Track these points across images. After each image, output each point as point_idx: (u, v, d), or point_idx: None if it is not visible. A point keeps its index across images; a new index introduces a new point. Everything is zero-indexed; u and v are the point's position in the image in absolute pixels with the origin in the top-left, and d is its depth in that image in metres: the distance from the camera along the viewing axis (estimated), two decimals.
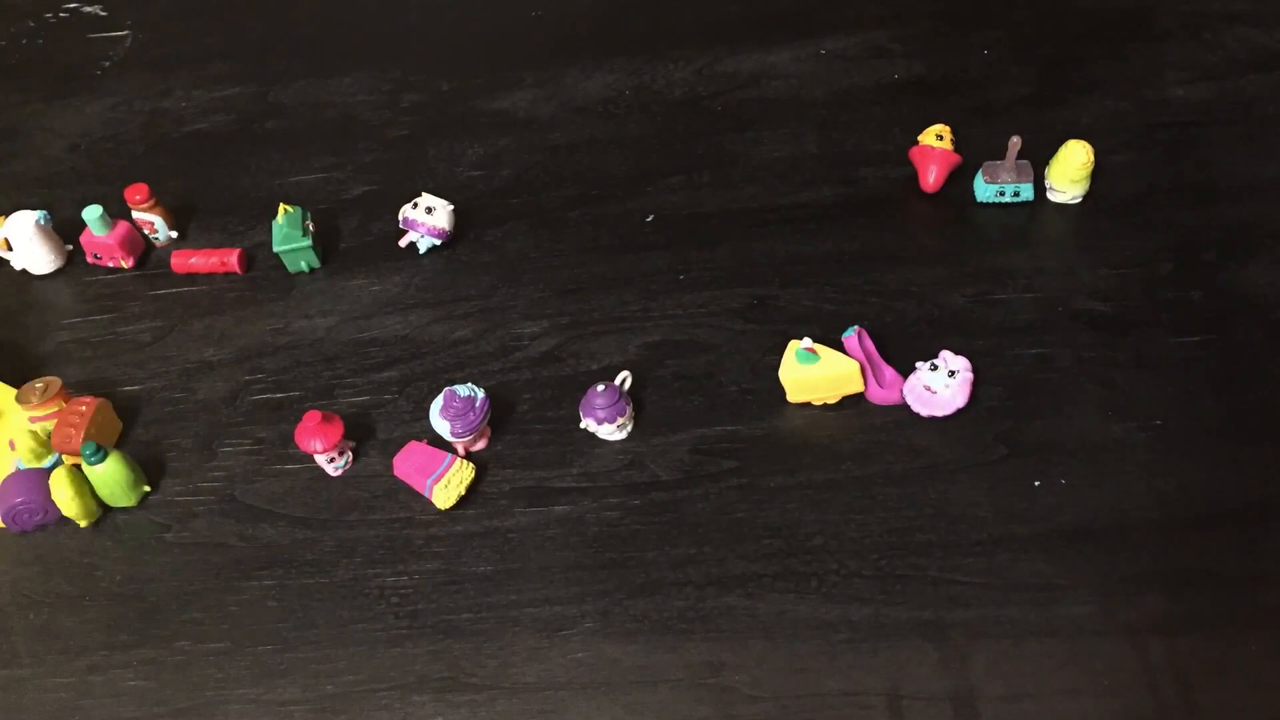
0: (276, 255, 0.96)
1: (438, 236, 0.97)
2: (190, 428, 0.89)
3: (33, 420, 0.85)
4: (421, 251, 0.98)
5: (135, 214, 0.99)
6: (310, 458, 0.85)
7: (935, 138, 0.99)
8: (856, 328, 0.87)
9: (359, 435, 0.87)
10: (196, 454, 0.87)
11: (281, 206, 0.95)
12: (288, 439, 0.87)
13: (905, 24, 1.16)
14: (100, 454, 0.80)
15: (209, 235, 1.02)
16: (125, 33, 1.24)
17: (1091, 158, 0.94)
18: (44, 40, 1.25)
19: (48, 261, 1.00)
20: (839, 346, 0.86)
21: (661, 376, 0.89)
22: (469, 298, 0.96)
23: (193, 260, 0.98)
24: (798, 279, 0.95)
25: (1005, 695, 0.71)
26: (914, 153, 1.00)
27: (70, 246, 1.01)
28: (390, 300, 0.96)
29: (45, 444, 0.84)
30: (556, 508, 0.82)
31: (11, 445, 0.84)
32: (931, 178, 0.99)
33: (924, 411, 0.83)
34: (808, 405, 0.86)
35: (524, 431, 0.86)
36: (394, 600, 0.78)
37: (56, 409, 0.85)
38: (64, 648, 0.78)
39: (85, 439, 0.82)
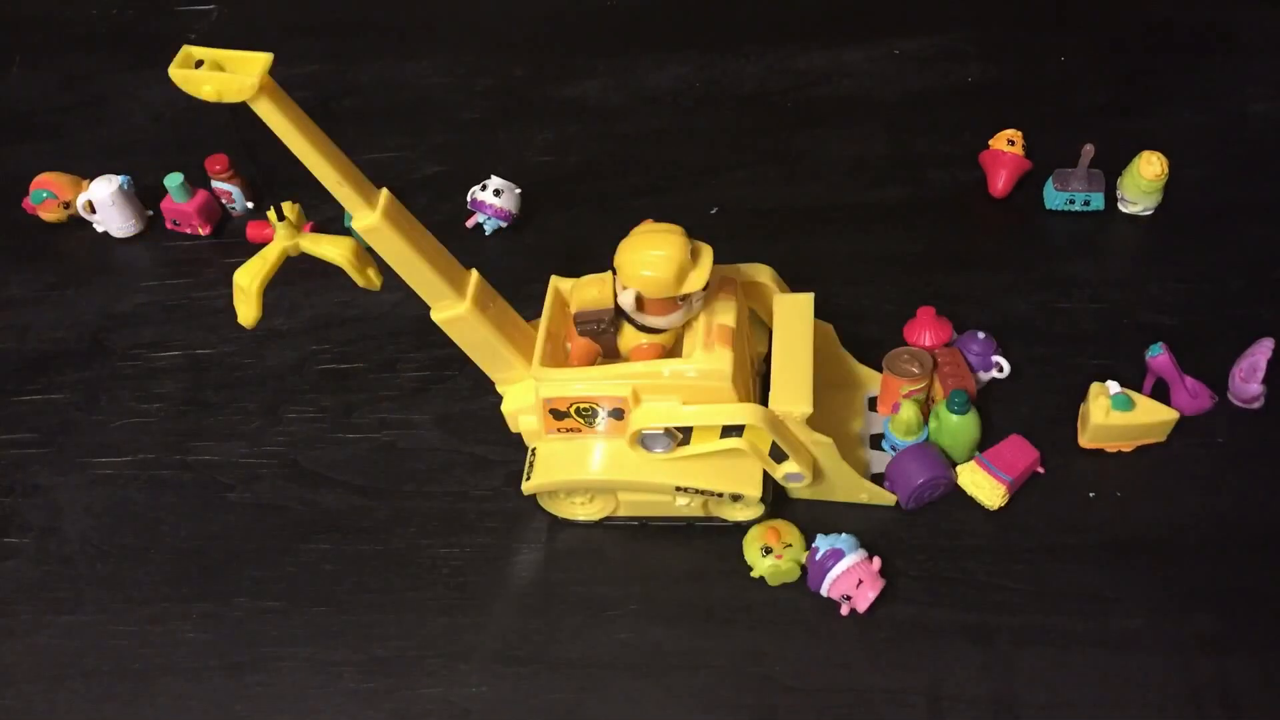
0: (348, 230, 0.98)
1: (503, 219, 0.99)
2: (257, 393, 0.91)
3: (907, 394, 0.81)
4: (488, 233, 1.00)
5: (214, 183, 1.02)
6: (371, 428, 0.87)
7: (1006, 142, 0.98)
8: (1162, 345, 0.82)
9: (419, 409, 0.89)
10: (262, 418, 0.89)
11: None
12: (350, 408, 0.89)
13: (981, 27, 1.15)
14: (966, 405, 0.78)
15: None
16: (211, 7, 1.27)
17: (1165, 170, 0.93)
18: (133, 12, 1.29)
19: (128, 226, 1.03)
20: (889, 343, 0.85)
21: None
22: (532, 280, 0.97)
23: (267, 231, 1.00)
24: (859, 277, 0.95)
25: (1047, 704, 0.71)
26: (984, 157, 0.99)
27: (151, 212, 1.05)
28: None
29: (918, 420, 0.80)
30: None
31: (895, 409, 0.79)
32: (1001, 182, 0.98)
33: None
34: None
35: None
36: (445, 571, 0.80)
37: (924, 383, 0.81)
38: (127, 597, 0.80)
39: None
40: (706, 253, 0.71)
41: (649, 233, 0.72)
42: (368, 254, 0.73)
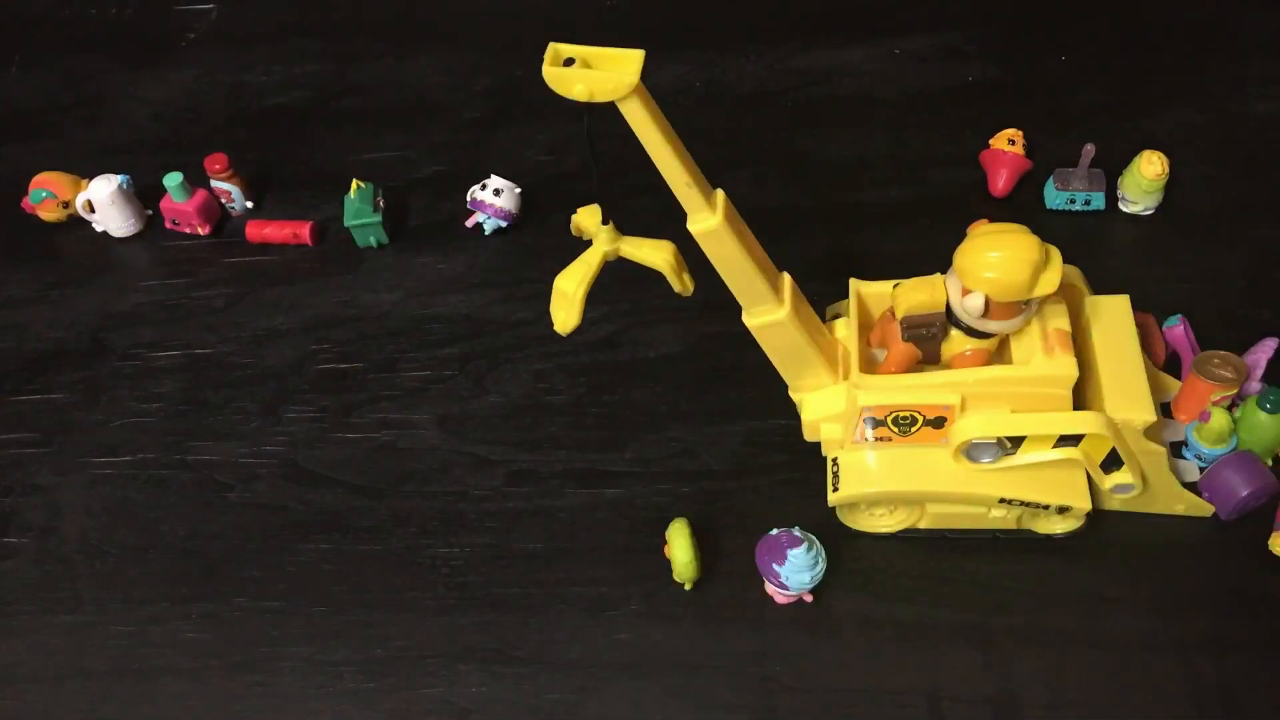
0: (347, 229, 0.98)
1: (503, 219, 0.99)
2: (257, 392, 0.91)
3: (1217, 401, 0.77)
4: (487, 233, 1.00)
5: (214, 183, 1.01)
6: (371, 428, 0.87)
7: (1007, 142, 0.98)
8: (1180, 317, 0.81)
9: (419, 409, 0.89)
10: (261, 418, 0.89)
11: (355, 182, 0.98)
12: (350, 408, 0.89)
13: (981, 27, 1.15)
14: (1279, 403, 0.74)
15: (283, 207, 1.05)
16: (211, 6, 1.27)
17: (1166, 169, 0.93)
18: (132, 11, 1.28)
19: (128, 225, 1.03)
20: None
21: (718, 367, 0.89)
22: (532, 280, 0.97)
23: (266, 230, 1.01)
24: (860, 278, 0.94)
25: (1048, 704, 0.71)
26: (984, 156, 0.99)
27: (150, 211, 1.04)
28: (455, 279, 0.98)
29: (1230, 428, 0.76)
30: (608, 491, 0.83)
31: (1205, 417, 0.76)
32: (1001, 182, 0.98)
33: None
34: None
35: (579, 414, 0.88)
36: (445, 571, 0.80)
37: (1235, 389, 0.77)
38: (126, 597, 0.80)
39: None
40: (1055, 254, 0.67)
41: (995, 233, 0.68)
42: (683, 259, 0.73)
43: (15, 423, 0.91)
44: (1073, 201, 0.96)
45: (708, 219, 0.66)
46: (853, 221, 0.99)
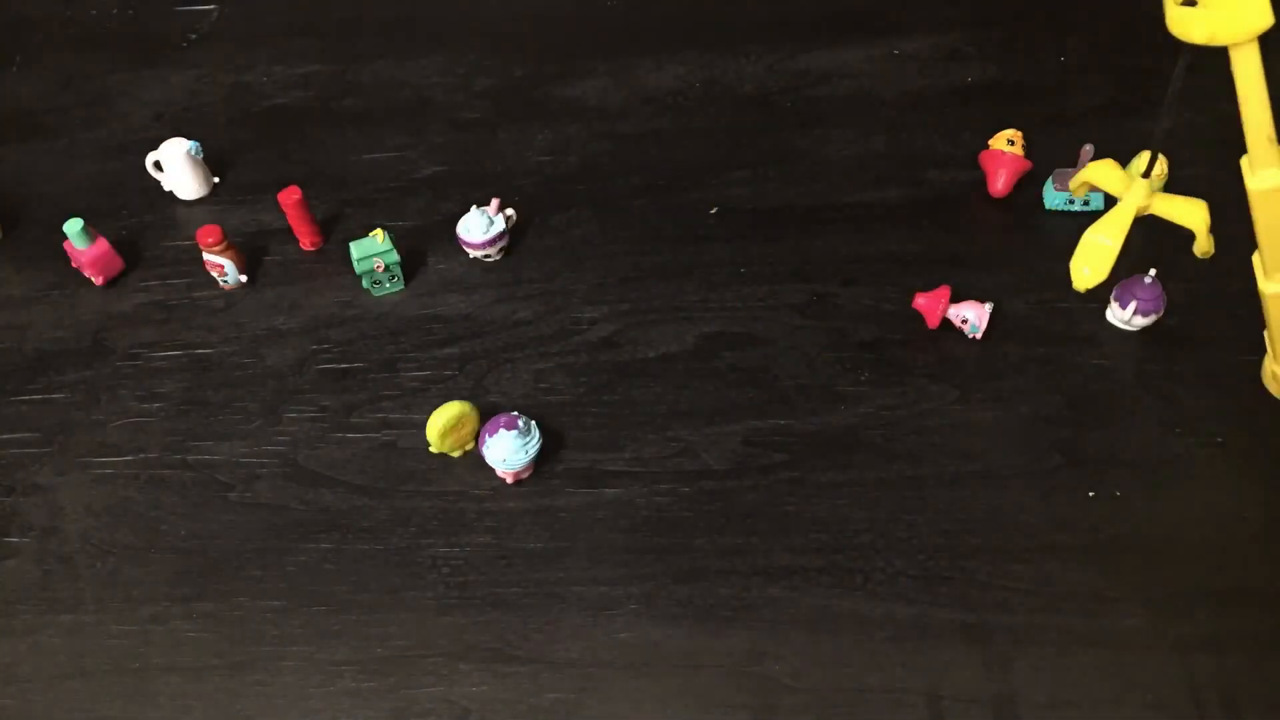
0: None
1: (491, 246, 0.97)
2: (258, 393, 0.91)
3: None
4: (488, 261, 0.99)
5: (206, 256, 0.97)
6: (371, 427, 0.87)
7: (1006, 142, 0.98)
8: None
9: (419, 409, 0.89)
10: (262, 418, 0.89)
11: (379, 232, 0.94)
12: (350, 408, 0.89)
13: (980, 28, 1.15)
14: None
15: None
16: (212, 7, 1.27)
17: (1165, 170, 0.93)
18: (134, 12, 1.29)
19: (194, 188, 1.06)
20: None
21: (717, 367, 0.90)
22: (531, 280, 0.97)
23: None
24: (859, 277, 0.95)
25: (1047, 702, 0.71)
26: (984, 157, 0.99)
27: (218, 179, 1.07)
28: (455, 279, 0.98)
29: None
30: (607, 490, 0.83)
31: None
32: (1000, 182, 0.98)
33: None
34: (861, 404, 0.86)
35: (579, 414, 0.88)
36: (445, 570, 0.80)
37: None
38: (128, 596, 0.81)
39: None
40: None
41: None
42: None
43: (16, 423, 0.91)
44: (1071, 202, 0.96)
45: (1276, 177, 0.65)
46: (852, 221, 0.99)
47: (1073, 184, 0.78)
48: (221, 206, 1.05)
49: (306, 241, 0.99)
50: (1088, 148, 0.93)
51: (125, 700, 0.76)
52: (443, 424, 0.81)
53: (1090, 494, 0.80)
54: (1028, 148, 0.99)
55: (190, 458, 0.87)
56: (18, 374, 0.94)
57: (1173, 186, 0.95)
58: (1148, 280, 0.84)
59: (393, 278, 0.95)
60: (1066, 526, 0.79)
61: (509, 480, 0.83)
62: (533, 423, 0.82)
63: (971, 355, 0.89)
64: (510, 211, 0.98)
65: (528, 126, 1.11)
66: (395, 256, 0.94)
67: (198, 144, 1.02)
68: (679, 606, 0.77)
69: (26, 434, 0.90)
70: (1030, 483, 0.81)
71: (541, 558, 0.80)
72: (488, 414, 0.83)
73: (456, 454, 0.84)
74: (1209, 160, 1.00)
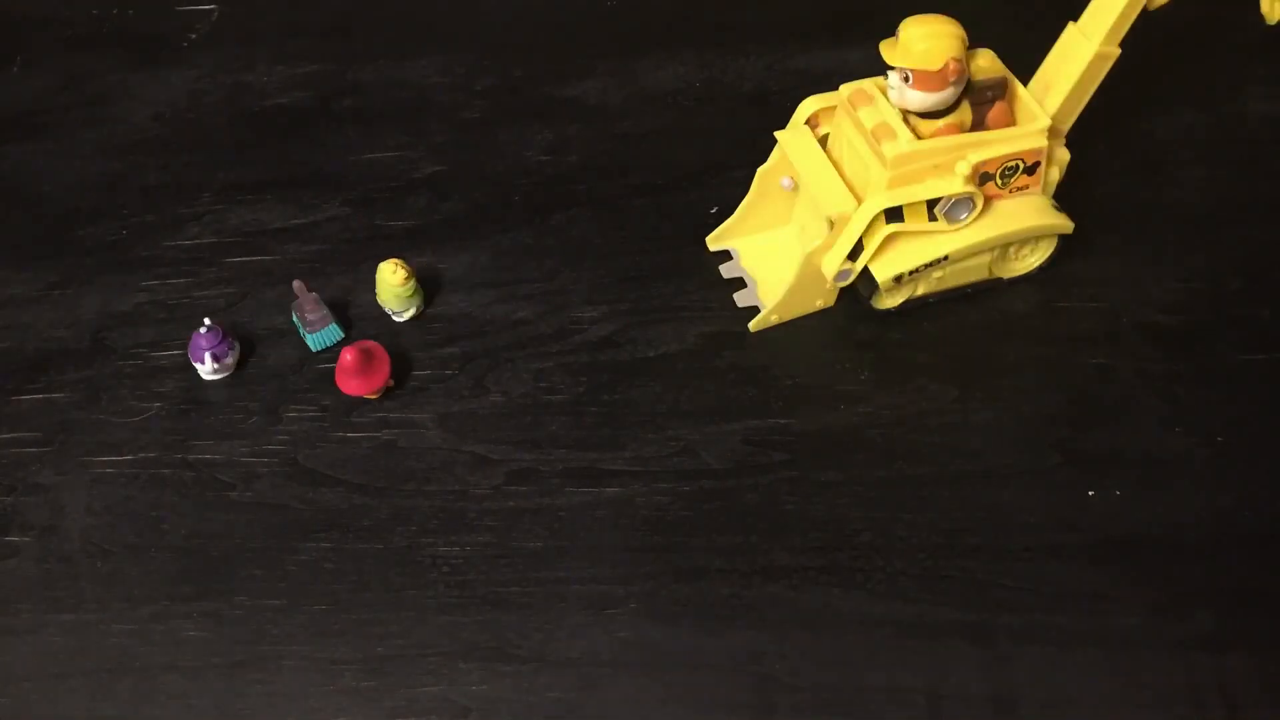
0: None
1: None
2: (258, 392, 0.91)
3: None
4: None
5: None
6: (372, 427, 0.87)
7: None
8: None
9: (419, 408, 0.89)
10: (263, 417, 0.89)
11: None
12: (350, 407, 0.89)
13: (978, 26, 1.15)
14: None
15: (283, 207, 1.05)
16: (212, 7, 1.27)
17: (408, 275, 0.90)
18: (134, 11, 1.29)
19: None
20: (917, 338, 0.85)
21: (717, 366, 0.90)
22: (531, 280, 0.97)
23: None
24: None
25: (1047, 701, 0.71)
26: None
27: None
28: (455, 279, 0.98)
29: None
30: (607, 489, 0.83)
31: None
32: None
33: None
34: (861, 404, 0.86)
35: (578, 413, 0.88)
36: (445, 569, 0.80)
37: None
38: (128, 595, 0.81)
39: None
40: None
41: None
42: None
43: (17, 422, 0.91)
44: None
45: None
46: None
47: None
48: (222, 206, 1.05)
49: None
50: (297, 283, 0.90)
51: (125, 699, 0.76)
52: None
53: (1090, 494, 0.80)
54: None
55: (190, 457, 0.88)
56: (18, 374, 0.94)
57: (1173, 188, 0.95)
58: (204, 330, 0.87)
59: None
60: (1066, 525, 0.79)
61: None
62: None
63: (971, 355, 0.89)
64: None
65: (528, 126, 1.11)
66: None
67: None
68: (679, 606, 0.77)
69: (26, 434, 0.90)
70: (1030, 482, 0.81)
71: (541, 556, 0.80)
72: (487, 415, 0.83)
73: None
74: (1209, 160, 1.00)
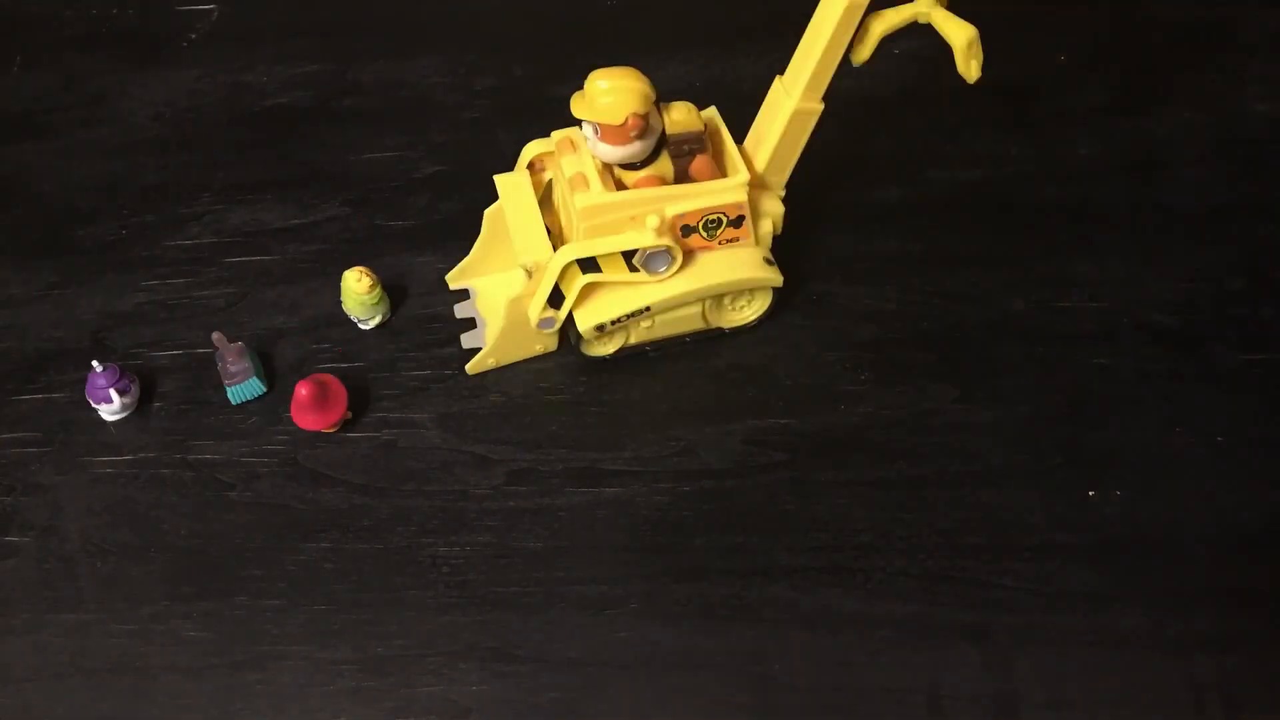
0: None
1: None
2: None
3: None
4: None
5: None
6: (372, 426, 0.87)
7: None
8: None
9: (419, 408, 0.89)
10: (263, 417, 0.89)
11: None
12: (350, 406, 0.89)
13: (981, 27, 1.15)
14: None
15: (283, 207, 1.05)
16: (212, 7, 1.27)
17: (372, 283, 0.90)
18: (134, 11, 1.28)
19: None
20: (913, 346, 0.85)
21: (717, 366, 0.90)
22: None
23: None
24: (859, 277, 0.95)
25: (1048, 701, 0.71)
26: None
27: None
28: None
29: None
30: (607, 490, 0.83)
31: None
32: None
33: None
34: (861, 404, 0.86)
35: (579, 413, 0.88)
36: (445, 570, 0.80)
37: None
38: (128, 596, 0.81)
39: None
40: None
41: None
42: (979, 47, 0.79)
43: (16, 422, 0.91)
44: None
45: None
46: (852, 221, 0.99)
47: None
48: (222, 206, 1.05)
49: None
50: (217, 335, 0.90)
51: (125, 699, 0.76)
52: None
53: (1090, 494, 0.80)
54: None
55: (190, 457, 0.88)
56: (18, 374, 0.94)
57: (1172, 187, 0.96)
58: (99, 369, 0.86)
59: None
60: (1066, 526, 0.79)
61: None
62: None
63: (972, 355, 0.89)
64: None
65: (528, 125, 1.10)
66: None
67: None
68: (679, 605, 0.77)
69: (26, 434, 0.90)
70: (1030, 482, 0.81)
71: (541, 557, 0.80)
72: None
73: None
74: (1209, 160, 1.00)
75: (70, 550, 0.83)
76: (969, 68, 0.80)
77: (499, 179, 0.89)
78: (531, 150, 0.89)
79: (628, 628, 0.76)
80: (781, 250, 0.97)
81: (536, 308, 0.84)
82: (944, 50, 1.12)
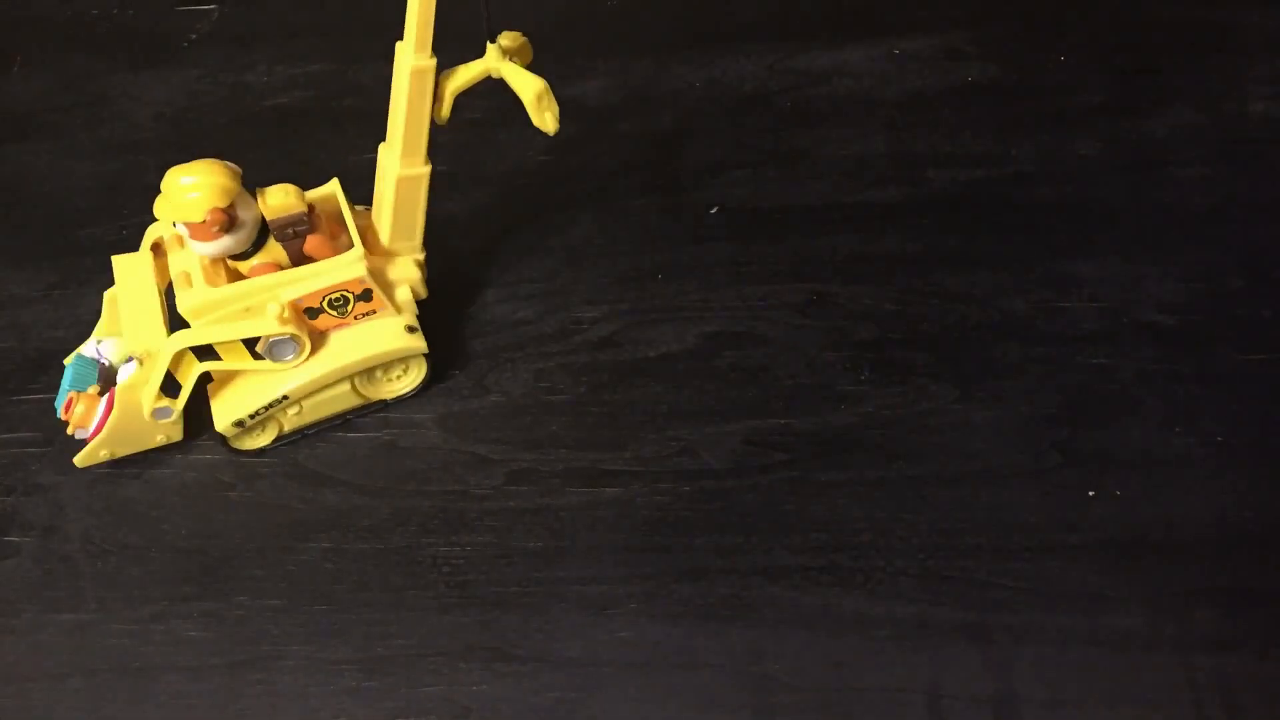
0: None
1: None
2: None
3: None
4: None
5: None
6: (372, 426, 0.87)
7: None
8: None
9: (419, 408, 0.89)
10: None
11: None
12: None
13: (981, 27, 1.15)
14: None
15: None
16: (213, 6, 1.27)
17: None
18: (134, 11, 1.28)
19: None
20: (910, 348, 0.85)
21: (718, 367, 0.90)
22: (532, 280, 0.97)
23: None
24: (859, 277, 0.95)
25: (1047, 701, 0.71)
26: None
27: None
28: (455, 279, 0.98)
29: None
30: (607, 490, 0.83)
31: None
32: None
33: None
34: (861, 404, 0.86)
35: (579, 413, 0.88)
36: (445, 570, 0.80)
37: None
38: (128, 596, 0.81)
39: None
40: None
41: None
42: (551, 98, 0.80)
43: (17, 422, 0.91)
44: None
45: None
46: (852, 221, 0.99)
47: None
48: None
49: None
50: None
51: (125, 699, 0.76)
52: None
53: (1090, 493, 0.80)
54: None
55: (191, 457, 0.88)
56: (18, 374, 0.94)
57: (1172, 187, 0.96)
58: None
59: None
60: (1066, 525, 0.79)
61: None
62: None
63: (971, 355, 0.89)
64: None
65: (528, 126, 1.10)
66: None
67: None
68: (679, 605, 0.77)
69: (26, 434, 0.90)
70: (1030, 482, 0.81)
71: (542, 556, 0.80)
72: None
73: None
74: (1209, 160, 1.00)
75: (70, 550, 0.83)
76: (544, 119, 0.79)
77: (116, 260, 0.84)
78: (154, 233, 0.84)
79: (628, 628, 0.76)
80: (783, 251, 0.98)
81: (149, 397, 0.80)
82: (944, 50, 1.12)
